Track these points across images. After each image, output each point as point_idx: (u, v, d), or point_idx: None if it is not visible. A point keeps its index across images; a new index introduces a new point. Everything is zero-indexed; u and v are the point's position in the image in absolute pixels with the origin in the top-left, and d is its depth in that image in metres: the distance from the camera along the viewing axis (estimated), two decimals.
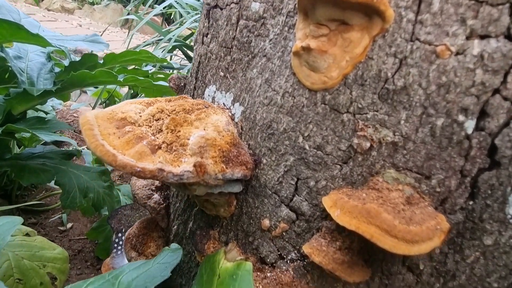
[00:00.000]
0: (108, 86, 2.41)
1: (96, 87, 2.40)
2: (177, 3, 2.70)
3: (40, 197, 1.98)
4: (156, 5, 3.00)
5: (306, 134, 0.65)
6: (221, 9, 0.79)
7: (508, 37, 0.50)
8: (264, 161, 0.70)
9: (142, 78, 1.40)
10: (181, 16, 2.85)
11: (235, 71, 0.77)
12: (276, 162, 0.69)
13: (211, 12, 0.83)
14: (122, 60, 1.49)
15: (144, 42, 3.00)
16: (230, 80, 0.78)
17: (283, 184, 0.68)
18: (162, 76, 1.88)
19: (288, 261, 0.70)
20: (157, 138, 0.67)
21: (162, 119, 0.70)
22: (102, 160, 0.61)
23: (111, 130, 0.66)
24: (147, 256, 0.99)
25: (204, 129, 0.69)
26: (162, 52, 2.40)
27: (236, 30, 0.76)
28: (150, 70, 2.22)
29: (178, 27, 2.55)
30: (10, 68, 1.46)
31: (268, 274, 0.70)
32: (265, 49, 0.70)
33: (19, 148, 1.88)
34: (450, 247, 0.61)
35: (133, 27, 2.90)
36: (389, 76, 0.56)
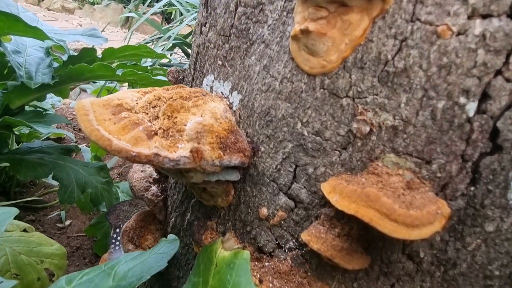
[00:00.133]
0: (108, 84, 2.40)
1: (95, 82, 2.39)
2: (177, 1, 2.69)
3: (39, 194, 1.97)
4: (156, 4, 3.00)
5: (304, 120, 0.64)
6: None
7: (511, 16, 0.49)
8: (262, 148, 0.69)
9: (141, 72, 1.39)
10: (181, 14, 2.84)
11: (233, 59, 0.76)
12: (274, 149, 0.68)
13: (209, 0, 0.82)
14: (121, 55, 1.48)
15: (144, 40, 2.99)
16: (228, 68, 0.77)
17: (281, 171, 0.67)
18: (161, 72, 1.87)
19: (286, 250, 0.69)
20: (154, 124, 0.66)
21: (159, 106, 0.69)
22: (97, 145, 0.60)
23: (106, 116, 0.65)
24: (144, 249, 0.97)
25: (202, 116, 0.68)
26: (161, 50, 2.39)
27: (234, 18, 0.75)
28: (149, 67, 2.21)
29: (178, 26, 2.54)
30: (9, 64, 1.45)
31: (266, 264, 0.69)
32: (263, 36, 0.69)
33: (17, 145, 1.87)
34: (451, 234, 0.60)
35: (133, 26, 2.90)
36: (389, 58, 0.55)
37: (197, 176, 0.66)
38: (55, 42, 1.51)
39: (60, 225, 1.85)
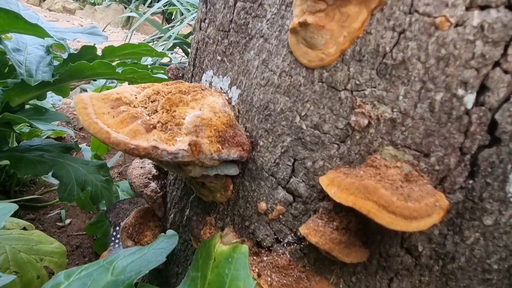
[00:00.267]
0: (108, 84, 2.40)
1: (95, 80, 2.39)
2: (178, 1, 2.70)
3: (39, 193, 1.97)
4: (156, 4, 3.00)
5: (303, 114, 0.64)
6: None
7: (509, 7, 0.49)
8: (261, 143, 0.69)
9: (141, 70, 1.39)
10: (181, 14, 2.85)
11: (232, 54, 0.76)
12: (273, 143, 0.68)
13: None
14: (121, 53, 1.49)
15: (144, 40, 3.00)
16: (227, 63, 0.77)
17: (280, 165, 0.67)
18: (161, 71, 1.87)
19: (285, 245, 0.68)
20: (152, 118, 0.66)
21: (158, 100, 0.69)
22: (95, 138, 0.60)
23: (105, 109, 0.65)
24: (143, 245, 0.97)
25: (200, 110, 0.68)
26: (162, 49, 2.39)
27: (233, 13, 0.75)
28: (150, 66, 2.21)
29: (179, 25, 2.55)
30: (9, 63, 1.45)
31: (265, 258, 0.69)
32: (262, 30, 0.70)
33: (18, 144, 1.87)
34: (449, 228, 0.60)
35: (133, 26, 2.90)
36: (388, 51, 0.55)
37: (196, 170, 0.66)
38: (56, 40, 1.51)
39: (60, 224, 1.85)
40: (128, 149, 0.58)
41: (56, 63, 1.51)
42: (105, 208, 1.61)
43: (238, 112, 0.74)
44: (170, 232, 0.80)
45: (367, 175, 0.55)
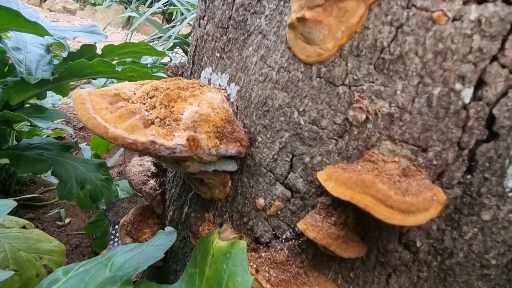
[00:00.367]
0: (108, 83, 2.41)
1: (94, 79, 2.39)
2: (178, 1, 2.70)
3: (39, 192, 1.97)
4: (156, 4, 3.00)
5: (301, 109, 0.64)
6: None
7: (506, 1, 0.49)
8: (259, 139, 0.69)
9: (140, 69, 1.39)
10: (182, 14, 2.85)
11: (231, 51, 0.76)
12: (271, 139, 0.68)
13: None
14: (121, 52, 1.49)
15: (144, 40, 2.99)
16: (226, 60, 0.77)
17: (278, 161, 0.67)
18: (162, 71, 1.87)
19: (283, 241, 0.68)
20: (151, 113, 0.66)
21: (156, 96, 0.69)
22: (93, 133, 0.60)
23: (103, 105, 0.65)
24: (141, 243, 0.97)
25: (198, 105, 0.68)
26: (162, 49, 2.39)
27: (232, 9, 0.76)
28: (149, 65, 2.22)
29: (179, 25, 2.55)
30: (9, 62, 1.46)
31: (263, 254, 0.69)
32: (260, 26, 0.70)
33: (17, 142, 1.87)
34: (447, 223, 0.60)
35: (133, 25, 2.90)
36: (385, 45, 0.55)
37: (194, 166, 0.66)
38: (56, 39, 1.51)
39: (59, 223, 1.86)
40: (126, 143, 0.58)
41: (56, 62, 1.52)
42: (104, 207, 1.61)
43: (237, 108, 0.74)
44: (168, 229, 0.80)
45: (364, 170, 0.55)
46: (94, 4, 8.70)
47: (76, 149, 1.62)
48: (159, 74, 1.50)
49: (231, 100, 0.75)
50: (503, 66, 0.51)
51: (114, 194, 1.61)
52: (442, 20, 0.51)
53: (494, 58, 0.51)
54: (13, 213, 1.73)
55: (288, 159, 0.66)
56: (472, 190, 0.57)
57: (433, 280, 0.63)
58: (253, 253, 0.69)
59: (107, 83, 2.38)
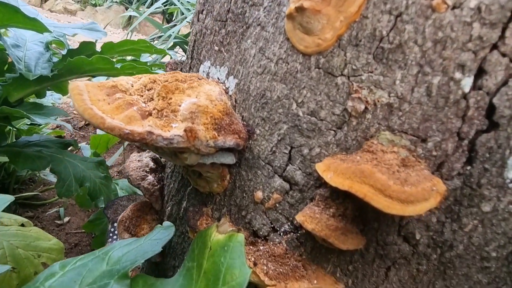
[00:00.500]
0: None
1: (94, 77, 2.39)
2: (178, 0, 2.70)
3: (38, 190, 1.96)
4: (156, 3, 3.01)
5: (299, 101, 0.63)
6: None
7: None
8: (258, 131, 0.69)
9: (140, 66, 1.39)
10: (182, 14, 2.85)
11: (230, 44, 0.76)
12: (270, 131, 0.67)
13: None
14: (120, 49, 1.49)
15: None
16: (225, 53, 0.77)
17: (277, 153, 0.67)
18: (161, 69, 1.87)
19: (281, 234, 0.68)
20: (148, 105, 0.65)
21: (154, 89, 0.69)
22: (90, 123, 0.60)
23: (101, 96, 0.65)
24: None
25: (197, 97, 0.67)
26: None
27: (230, 2, 0.75)
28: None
29: (179, 24, 2.55)
30: (9, 60, 1.45)
31: (261, 247, 0.68)
32: (259, 18, 0.69)
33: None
34: (447, 215, 0.59)
35: (133, 24, 2.90)
36: (384, 35, 0.55)
37: (192, 158, 0.66)
38: (55, 37, 1.51)
39: (58, 222, 1.85)
40: (123, 134, 0.58)
41: (55, 59, 1.51)
42: (103, 206, 1.60)
43: (235, 101, 0.73)
44: (166, 223, 0.80)
45: (363, 160, 0.55)
46: (95, 5, 8.71)
47: (75, 147, 1.61)
48: (159, 71, 1.49)
49: (230, 93, 0.75)
50: (504, 54, 0.50)
51: (113, 193, 1.60)
52: (442, 8, 0.51)
53: (494, 47, 0.51)
54: (12, 211, 1.73)
55: (287, 151, 0.66)
56: (472, 181, 0.57)
57: (433, 273, 0.62)
58: (251, 247, 0.69)
59: None
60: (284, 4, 0.64)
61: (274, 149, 0.67)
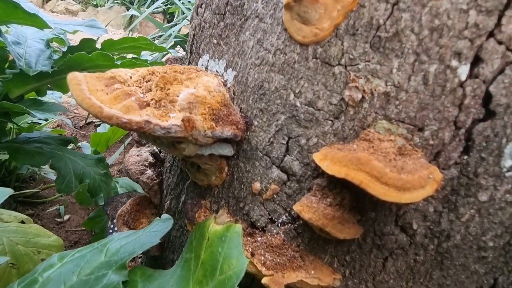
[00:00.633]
0: None
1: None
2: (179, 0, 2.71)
3: (38, 188, 1.97)
4: (156, 2, 3.01)
5: (297, 91, 0.63)
6: None
7: None
8: (256, 123, 0.69)
9: (140, 63, 1.39)
10: (183, 14, 2.86)
11: (228, 36, 0.76)
12: (268, 122, 0.67)
13: None
14: (121, 46, 1.49)
15: None
16: (223, 46, 0.77)
17: (274, 144, 0.67)
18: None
19: (279, 225, 0.68)
20: (146, 96, 0.65)
21: (153, 80, 0.69)
22: (88, 112, 0.60)
23: (99, 87, 0.65)
24: None
25: (195, 88, 0.67)
26: None
27: None
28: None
29: (180, 24, 2.56)
30: (10, 58, 1.46)
31: (259, 238, 0.68)
32: (257, 10, 0.69)
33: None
34: (444, 205, 0.59)
35: (134, 28, 2.91)
36: (381, 23, 0.55)
37: (190, 148, 0.66)
38: (56, 34, 1.51)
39: (59, 220, 1.85)
40: (121, 122, 0.58)
41: (56, 57, 1.52)
42: (103, 203, 1.60)
43: (234, 94, 0.74)
44: (165, 216, 0.80)
45: (360, 148, 0.55)
46: (96, 6, 8.74)
47: (74, 144, 1.61)
48: None
49: (228, 86, 0.75)
50: (500, 42, 0.51)
51: (113, 191, 1.60)
52: None
53: (490, 34, 0.51)
54: (12, 209, 1.73)
55: (284, 142, 0.66)
56: (469, 170, 0.57)
57: (430, 264, 0.62)
58: (249, 238, 0.69)
59: None
60: None
61: (272, 140, 0.67)
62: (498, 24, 0.50)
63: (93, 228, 1.67)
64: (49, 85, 1.51)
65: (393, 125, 0.57)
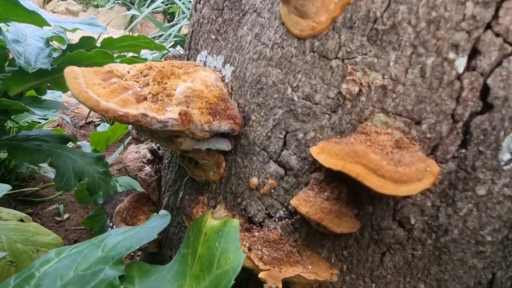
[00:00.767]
0: None
1: None
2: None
3: (38, 187, 1.96)
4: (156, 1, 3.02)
5: (294, 85, 0.63)
6: None
7: None
8: (253, 117, 0.69)
9: (139, 61, 1.39)
10: (183, 13, 2.86)
11: (226, 32, 0.76)
12: (265, 117, 0.67)
13: None
14: (120, 45, 1.49)
15: None
16: (221, 42, 0.77)
17: (272, 139, 0.67)
18: None
19: (276, 220, 0.68)
20: (144, 90, 0.65)
21: (150, 75, 0.69)
22: (85, 106, 0.60)
23: (96, 81, 0.65)
24: None
25: (192, 82, 0.67)
26: None
27: None
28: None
29: (180, 23, 2.56)
30: (10, 57, 1.46)
31: (256, 233, 0.68)
32: (255, 5, 0.69)
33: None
34: (442, 200, 0.59)
35: (135, 27, 2.92)
36: (378, 16, 0.55)
37: (187, 142, 0.65)
38: (55, 33, 1.51)
39: (58, 219, 1.85)
40: (118, 116, 0.58)
41: (55, 55, 1.52)
42: (102, 202, 1.60)
43: (231, 89, 0.73)
44: (162, 212, 0.80)
45: (357, 142, 0.55)
46: (97, 6, 8.75)
47: (74, 142, 1.61)
48: None
49: (226, 81, 0.75)
50: (497, 34, 0.50)
51: (112, 189, 1.60)
52: None
53: (488, 26, 0.51)
54: (12, 207, 1.73)
55: (282, 136, 0.65)
56: (467, 164, 0.56)
57: (428, 259, 0.62)
58: (246, 233, 0.69)
59: None
60: None
61: (269, 134, 0.67)
62: (496, 16, 0.50)
63: (93, 227, 1.66)
64: (49, 84, 1.51)
65: (390, 118, 0.56)
